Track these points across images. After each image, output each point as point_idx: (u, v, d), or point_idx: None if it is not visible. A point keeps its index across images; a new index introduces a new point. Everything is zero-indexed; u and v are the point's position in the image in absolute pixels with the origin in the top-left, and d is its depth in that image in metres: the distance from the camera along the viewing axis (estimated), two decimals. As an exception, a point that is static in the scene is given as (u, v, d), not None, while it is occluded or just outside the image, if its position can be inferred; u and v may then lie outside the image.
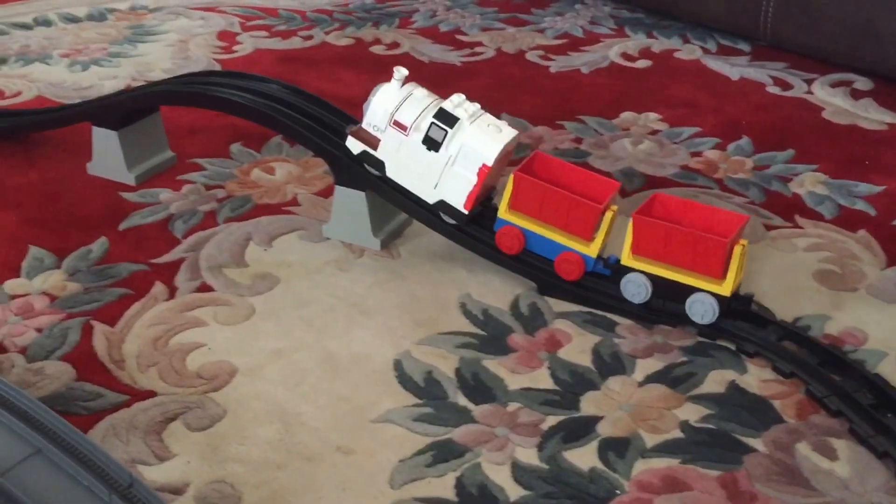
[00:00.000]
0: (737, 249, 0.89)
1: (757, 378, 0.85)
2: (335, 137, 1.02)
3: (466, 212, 0.96)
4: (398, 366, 0.86)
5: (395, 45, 1.60)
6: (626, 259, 0.92)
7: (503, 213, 0.96)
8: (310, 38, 1.63)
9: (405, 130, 0.95)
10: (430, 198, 0.97)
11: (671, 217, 0.91)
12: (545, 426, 0.79)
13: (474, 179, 0.94)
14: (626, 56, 1.57)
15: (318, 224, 1.06)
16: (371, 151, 0.98)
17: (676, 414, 0.81)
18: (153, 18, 1.67)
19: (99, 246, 1.02)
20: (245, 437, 0.77)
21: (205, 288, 0.96)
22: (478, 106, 0.97)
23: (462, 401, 0.82)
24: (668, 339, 0.90)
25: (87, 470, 0.59)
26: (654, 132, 1.30)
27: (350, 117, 1.05)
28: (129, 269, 0.98)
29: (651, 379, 0.85)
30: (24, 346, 0.86)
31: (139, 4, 1.74)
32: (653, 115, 1.35)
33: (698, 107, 1.38)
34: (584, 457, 0.76)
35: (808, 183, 1.17)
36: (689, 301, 0.89)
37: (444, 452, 0.76)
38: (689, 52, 1.58)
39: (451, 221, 0.97)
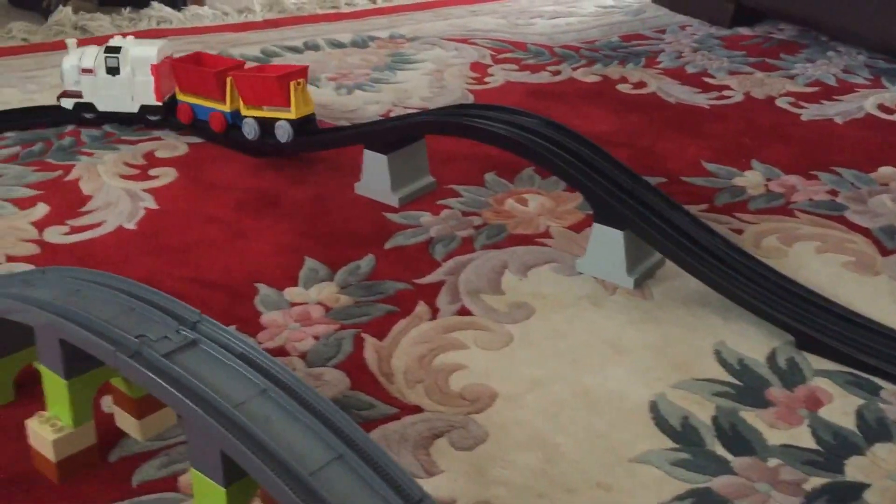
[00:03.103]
0: (292, 85, 1.25)
1: None
2: (594, 174, 1.04)
3: (160, 103, 1.38)
4: (654, 407, 0.87)
5: (642, 84, 1.61)
6: (244, 110, 1.30)
7: (179, 95, 1.37)
8: (557, 73, 1.67)
9: (93, 72, 1.37)
10: (134, 108, 1.39)
11: (247, 70, 1.34)
12: (808, 487, 0.78)
13: (152, 78, 1.37)
14: (883, 108, 1.52)
15: (571, 258, 1.09)
16: (81, 101, 1.38)
17: (949, 489, 0.78)
18: (410, 47, 1.75)
19: (367, 262, 1.08)
20: (507, 462, 0.80)
21: (464, 311, 1.00)
22: (132, 37, 1.40)
23: (720, 450, 0.82)
24: (935, 409, 0.86)
25: (382, 479, 0.63)
26: (916, 190, 1.26)
27: (604, 152, 1.08)
28: (394, 286, 1.03)
29: (919, 449, 0.82)
30: (304, 352, 0.93)
31: (398, 33, 1.82)
32: (914, 172, 1.31)
33: (964, 166, 1.32)
34: (849, 523, 0.75)
35: None
36: (274, 128, 1.27)
37: (703, 501, 0.76)
38: (953, 107, 1.52)
39: (155, 118, 1.39)
